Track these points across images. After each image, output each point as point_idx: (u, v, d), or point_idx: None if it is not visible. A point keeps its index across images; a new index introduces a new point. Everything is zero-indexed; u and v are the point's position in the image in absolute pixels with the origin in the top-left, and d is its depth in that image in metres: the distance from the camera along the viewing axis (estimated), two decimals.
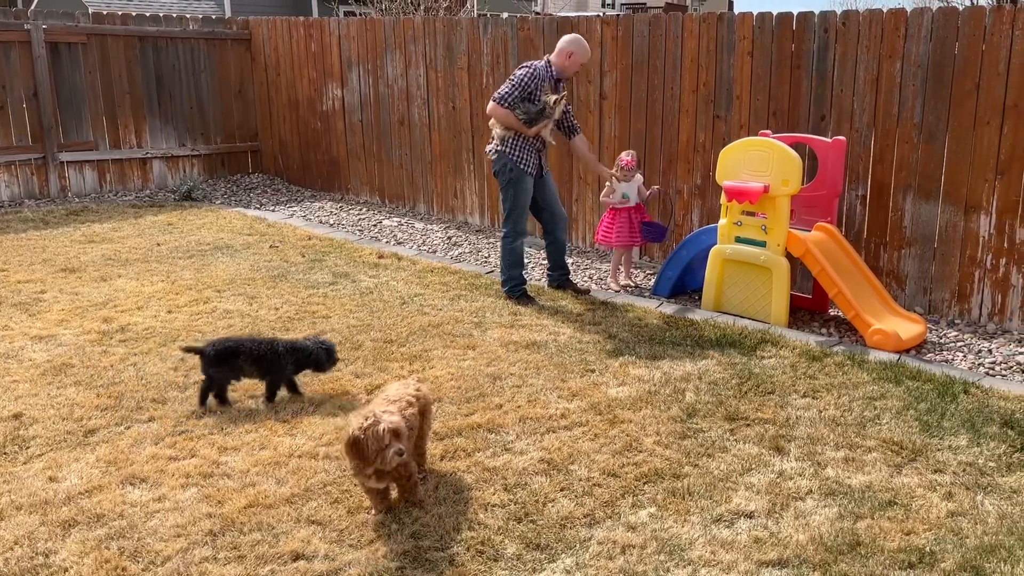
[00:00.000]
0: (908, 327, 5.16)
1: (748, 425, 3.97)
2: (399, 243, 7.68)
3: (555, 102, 5.61)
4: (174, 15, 10.45)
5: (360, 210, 9.08)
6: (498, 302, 5.79)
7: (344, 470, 3.44)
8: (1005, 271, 5.38)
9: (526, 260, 6.16)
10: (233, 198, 9.69)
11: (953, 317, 5.63)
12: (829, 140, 5.61)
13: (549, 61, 5.71)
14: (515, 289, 5.86)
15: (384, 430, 2.99)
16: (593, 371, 4.61)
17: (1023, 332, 5.33)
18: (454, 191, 8.56)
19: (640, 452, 3.69)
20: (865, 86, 5.72)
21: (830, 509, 3.25)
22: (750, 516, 3.21)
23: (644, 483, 3.44)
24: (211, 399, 4.14)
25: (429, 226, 8.33)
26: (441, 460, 3.61)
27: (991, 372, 4.75)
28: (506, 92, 5.57)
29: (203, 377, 4.14)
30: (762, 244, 5.46)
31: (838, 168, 5.58)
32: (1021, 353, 5.01)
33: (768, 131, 5.96)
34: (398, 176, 9.12)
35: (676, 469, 3.54)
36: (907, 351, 5.03)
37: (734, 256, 5.61)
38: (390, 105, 8.96)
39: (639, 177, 6.37)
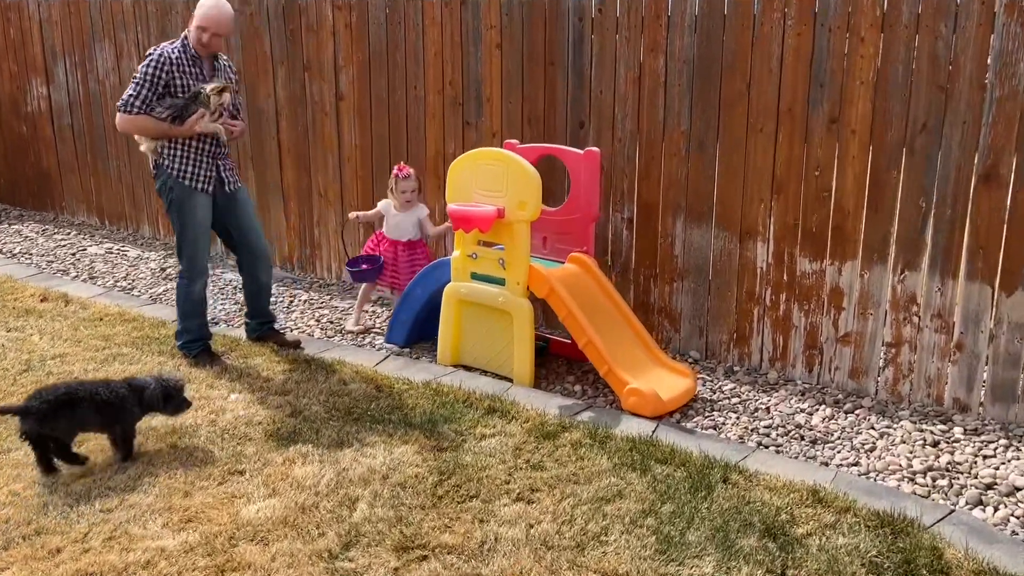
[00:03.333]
0: (673, 383, 4.18)
1: (424, 559, 2.79)
2: (91, 277, 6.13)
3: (212, 91, 4.25)
4: None
5: (68, 234, 7.41)
6: (170, 362, 4.42)
7: None
8: (786, 308, 4.51)
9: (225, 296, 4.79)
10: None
11: (732, 363, 4.73)
12: (581, 152, 4.58)
13: (186, 38, 4.37)
14: (190, 346, 4.50)
15: None
16: (242, 473, 3.32)
17: (807, 381, 4.47)
18: None
19: None
20: (627, 86, 4.73)
21: None
22: None
23: None
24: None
25: (146, 254, 6.80)
26: None
27: (765, 442, 3.82)
28: (131, 95, 4.17)
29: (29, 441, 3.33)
30: (501, 282, 4.35)
31: (593, 186, 4.55)
32: (802, 411, 4.12)
33: (515, 141, 4.88)
34: (117, 192, 7.52)
35: None
36: (670, 414, 4.04)
37: (470, 296, 4.48)
38: (103, 106, 7.36)
39: (422, 208, 5.15)
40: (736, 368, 4.66)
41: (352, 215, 5.27)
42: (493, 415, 3.84)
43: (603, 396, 4.27)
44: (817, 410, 4.13)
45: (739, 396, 4.30)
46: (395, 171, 5.07)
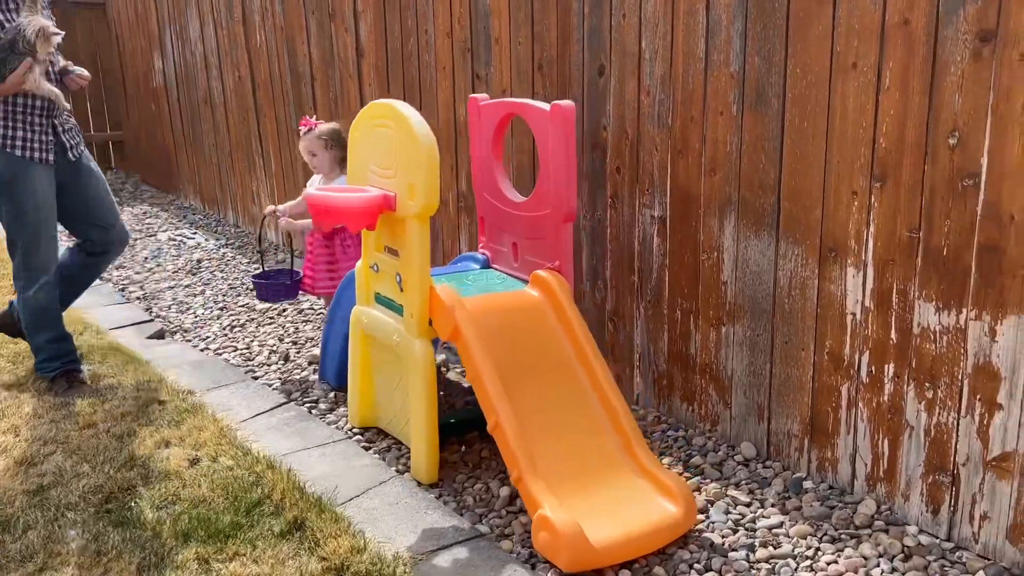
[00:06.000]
0: (641, 512, 2.37)
1: None
2: (118, 267, 5.43)
3: (36, 35, 3.11)
4: None
5: (159, 217, 6.91)
6: (24, 396, 3.42)
7: None
8: (894, 391, 2.46)
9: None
10: None
11: (804, 472, 2.75)
12: (547, 107, 2.85)
13: None
14: (44, 366, 3.47)
15: None
16: None
17: (929, 530, 2.40)
18: (252, 194, 6.22)
19: None
20: (656, 5, 2.92)
21: None
22: None
23: None
24: None
25: (210, 243, 6.03)
26: None
27: None
28: None
29: None
30: (399, 309, 2.81)
31: (564, 163, 2.81)
32: None
33: (482, 96, 3.26)
34: (210, 173, 6.88)
35: None
36: (623, 568, 2.26)
37: (372, 329, 2.98)
38: (195, 77, 6.73)
39: (343, 179, 3.82)
40: (808, 483, 2.69)
41: (269, 209, 3.95)
42: (292, 537, 2.34)
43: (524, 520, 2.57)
44: None
45: (789, 542, 2.37)
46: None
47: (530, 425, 2.51)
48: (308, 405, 3.32)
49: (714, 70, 2.78)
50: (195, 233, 6.30)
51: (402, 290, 2.74)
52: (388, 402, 3.01)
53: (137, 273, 5.33)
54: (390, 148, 2.68)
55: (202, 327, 4.32)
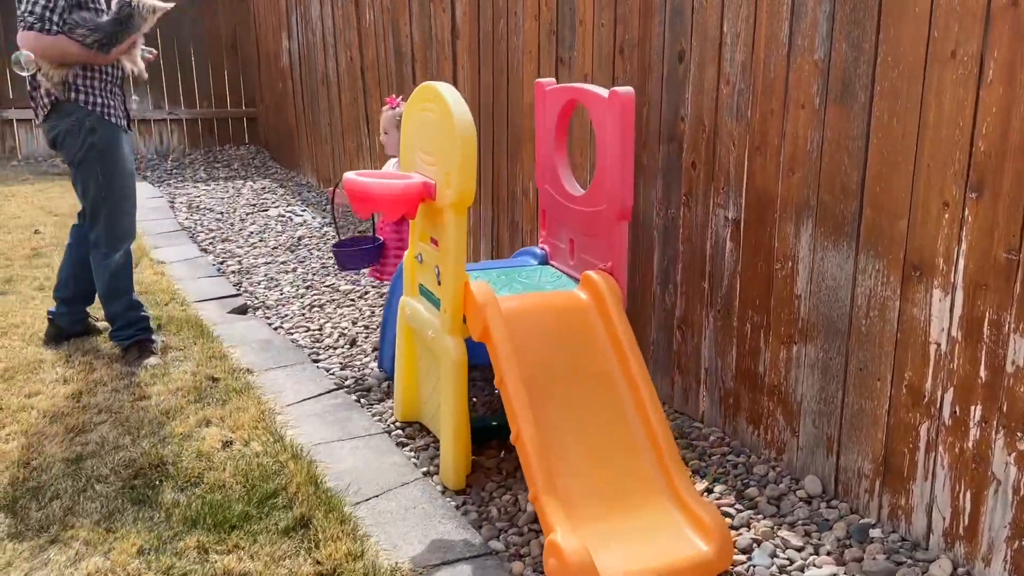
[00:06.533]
0: (668, 544, 2.13)
1: None
2: (222, 239, 5.59)
3: (148, 11, 3.21)
4: None
5: (276, 193, 7.08)
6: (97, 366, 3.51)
7: None
8: (980, 437, 2.10)
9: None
10: (185, 173, 8.09)
11: (873, 517, 2.41)
12: (605, 94, 2.60)
13: None
14: (122, 333, 3.54)
15: None
16: None
17: None
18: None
19: None
20: None
21: None
22: None
23: None
24: None
25: (316, 221, 6.12)
26: None
27: None
28: (42, 5, 3.15)
29: None
30: (438, 303, 2.66)
31: (618, 155, 2.57)
32: None
33: (548, 80, 3.05)
34: (324, 152, 6.98)
35: None
36: None
37: (413, 322, 2.86)
38: (315, 57, 6.83)
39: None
40: (876, 531, 2.36)
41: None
42: (295, 535, 2.25)
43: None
44: None
45: None
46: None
47: (556, 439, 2.31)
48: (359, 394, 3.25)
49: (797, 57, 2.47)
50: (304, 211, 6.40)
51: (439, 283, 2.59)
52: (429, 398, 2.88)
53: (239, 247, 5.46)
54: (433, 133, 2.53)
55: (284, 305, 4.35)
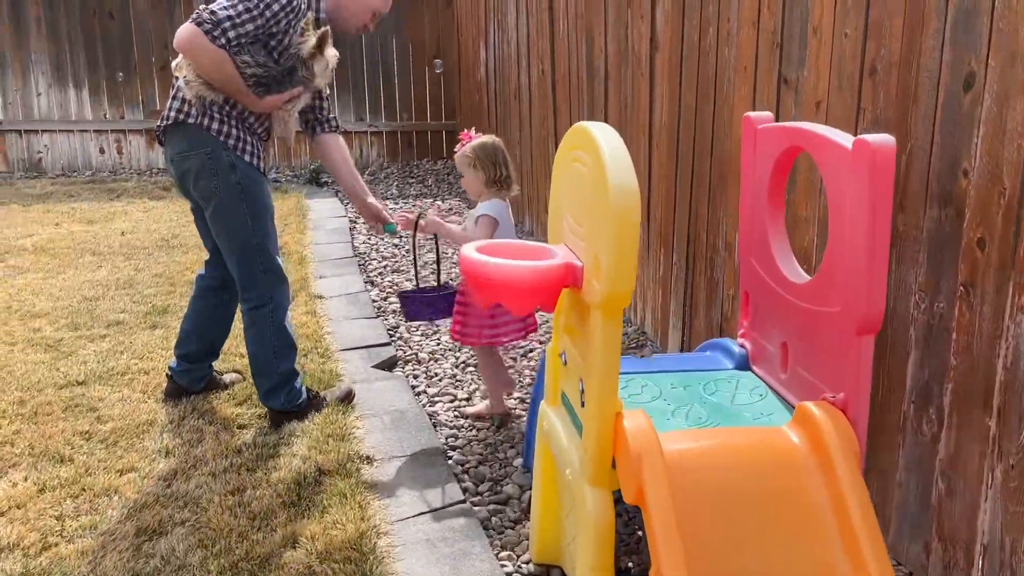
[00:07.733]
0: None
1: None
2: (387, 266, 5.12)
3: (316, 54, 2.75)
4: None
5: (464, 215, 6.57)
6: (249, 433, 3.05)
7: None
8: None
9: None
10: (378, 188, 7.77)
11: None
12: (848, 143, 1.71)
13: None
14: (294, 396, 3.02)
15: None
16: None
17: None
18: (545, 202, 5.58)
19: None
20: None
21: None
22: None
23: None
24: None
25: None
26: None
27: None
28: (228, 16, 2.69)
29: None
30: (580, 428, 1.90)
31: (863, 234, 1.67)
32: None
33: (765, 114, 2.18)
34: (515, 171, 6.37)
35: None
36: None
37: (553, 444, 2.11)
38: (508, 70, 6.25)
39: (492, 203, 3.04)
40: None
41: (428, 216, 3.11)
42: None
43: None
44: None
45: None
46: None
47: None
48: (492, 507, 2.55)
49: None
50: None
51: (583, 404, 1.83)
52: (573, 541, 2.13)
53: (408, 280, 4.97)
54: (583, 195, 1.78)
55: (436, 361, 3.76)
